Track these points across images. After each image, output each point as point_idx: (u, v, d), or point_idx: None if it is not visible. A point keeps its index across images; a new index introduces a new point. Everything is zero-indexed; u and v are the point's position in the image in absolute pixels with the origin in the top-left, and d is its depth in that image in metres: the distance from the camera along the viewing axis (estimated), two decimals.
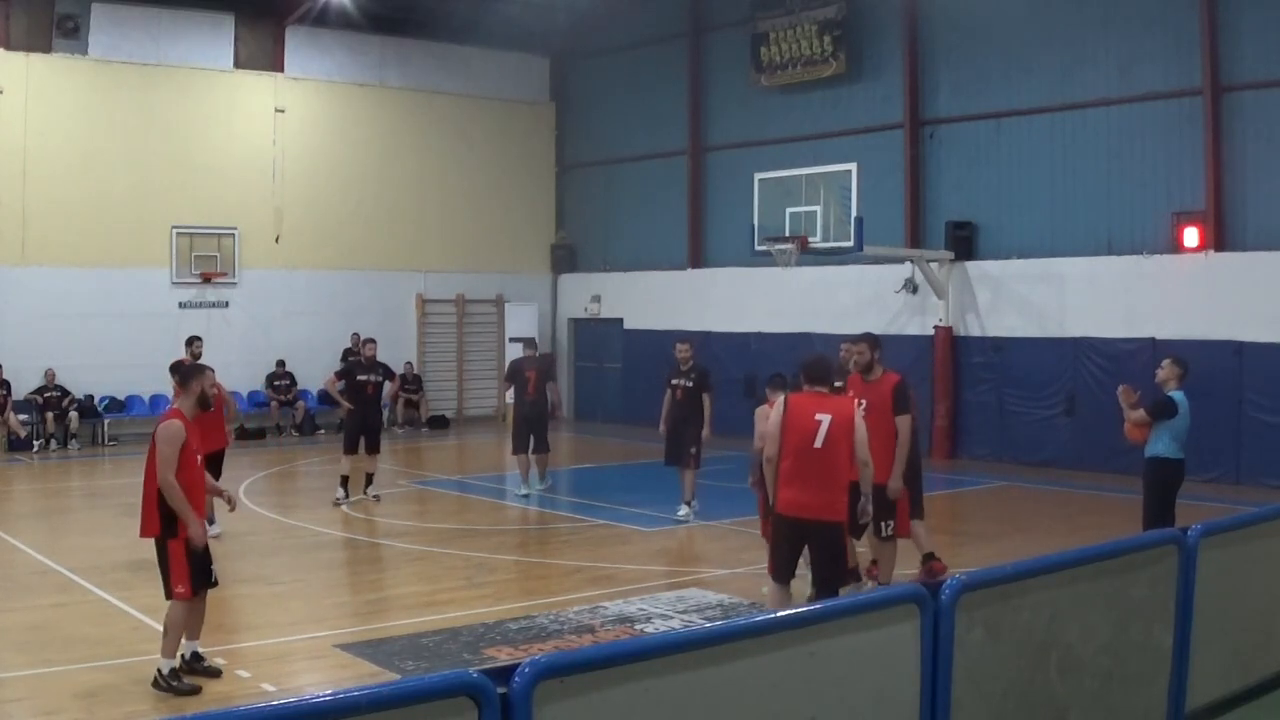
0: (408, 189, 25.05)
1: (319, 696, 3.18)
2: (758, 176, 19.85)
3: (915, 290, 20.11)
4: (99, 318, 21.33)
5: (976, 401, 19.46)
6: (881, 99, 21.05)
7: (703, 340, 20.70)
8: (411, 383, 24.26)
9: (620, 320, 25.62)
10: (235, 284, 22.95)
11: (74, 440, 20.83)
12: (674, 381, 14.01)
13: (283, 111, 23.49)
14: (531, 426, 15.66)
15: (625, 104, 25.69)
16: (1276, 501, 8.20)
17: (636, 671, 3.72)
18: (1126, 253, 17.78)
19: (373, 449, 14.92)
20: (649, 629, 8.95)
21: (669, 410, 13.97)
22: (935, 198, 20.41)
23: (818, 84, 21.71)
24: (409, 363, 24.48)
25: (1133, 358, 16.85)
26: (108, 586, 10.22)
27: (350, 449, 14.74)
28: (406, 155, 25.06)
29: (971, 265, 19.59)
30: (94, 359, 21.22)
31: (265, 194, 23.25)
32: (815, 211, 18.62)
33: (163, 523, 7.47)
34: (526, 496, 15.45)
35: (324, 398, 21.81)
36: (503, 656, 8.13)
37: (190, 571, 7.51)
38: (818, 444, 7.78)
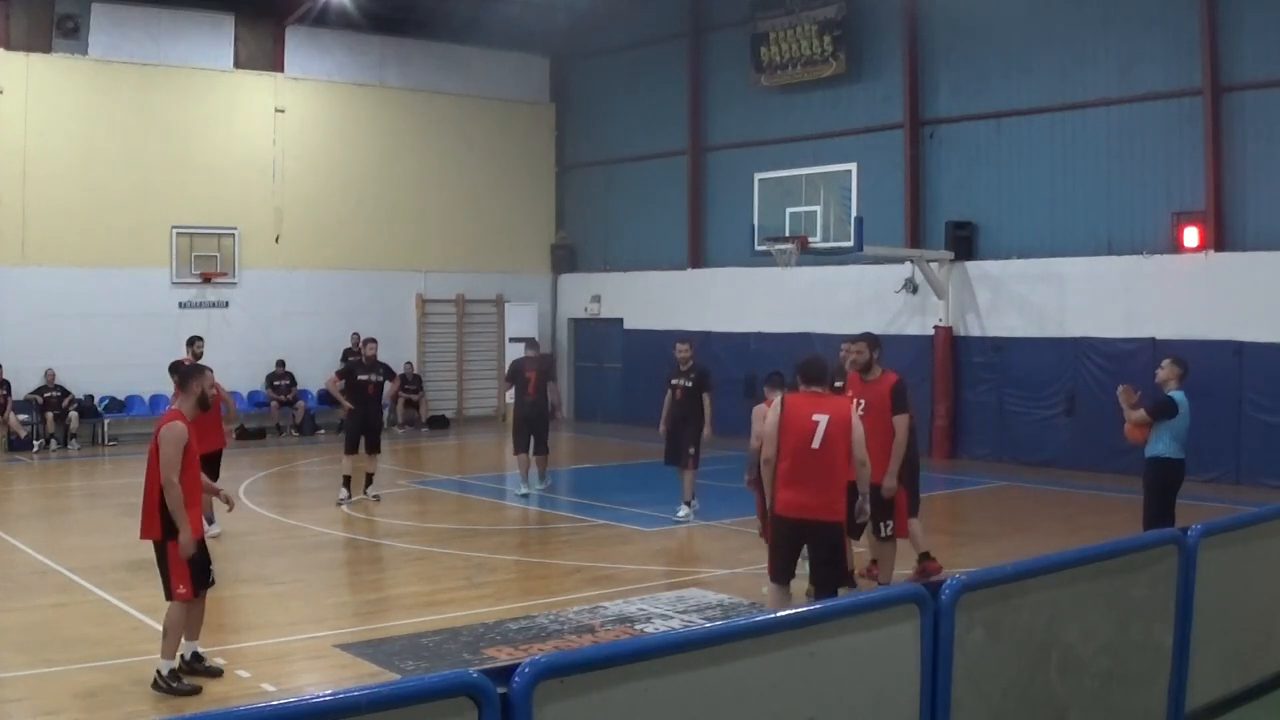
0: (408, 189, 25.05)
1: (319, 696, 3.18)
2: (758, 176, 19.85)
3: (915, 290, 20.11)
4: (99, 318, 21.33)
5: (976, 401, 19.46)
6: (881, 99, 21.05)
7: (703, 340, 20.71)
8: (411, 383, 24.26)
9: (620, 320, 25.63)
10: (235, 284, 22.95)
11: (74, 440, 20.84)
12: (674, 381, 14.02)
13: (283, 111, 23.49)
14: (532, 427, 15.67)
15: (625, 104, 25.69)
16: (1276, 501, 8.20)
17: (636, 671, 3.72)
18: (1126, 253, 17.78)
19: (373, 449, 14.93)
20: (649, 629, 8.95)
21: (669, 410, 14.00)
22: (935, 198, 20.41)
23: (818, 84, 21.71)
24: (409, 363, 24.49)
25: (1133, 358, 16.85)
26: (108, 586, 10.22)
27: (352, 449, 14.74)
28: (406, 155, 25.06)
29: (971, 265, 19.59)
30: (94, 359, 21.23)
31: (265, 194, 23.26)
32: (815, 211, 18.63)
33: (164, 525, 7.46)
34: (526, 496, 15.46)
35: (324, 397, 21.82)
36: (503, 656, 8.13)
37: (191, 572, 7.52)
38: (815, 445, 7.78)
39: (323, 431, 22.92)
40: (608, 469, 19.08)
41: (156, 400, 20.72)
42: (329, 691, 3.21)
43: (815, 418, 7.82)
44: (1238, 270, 16.60)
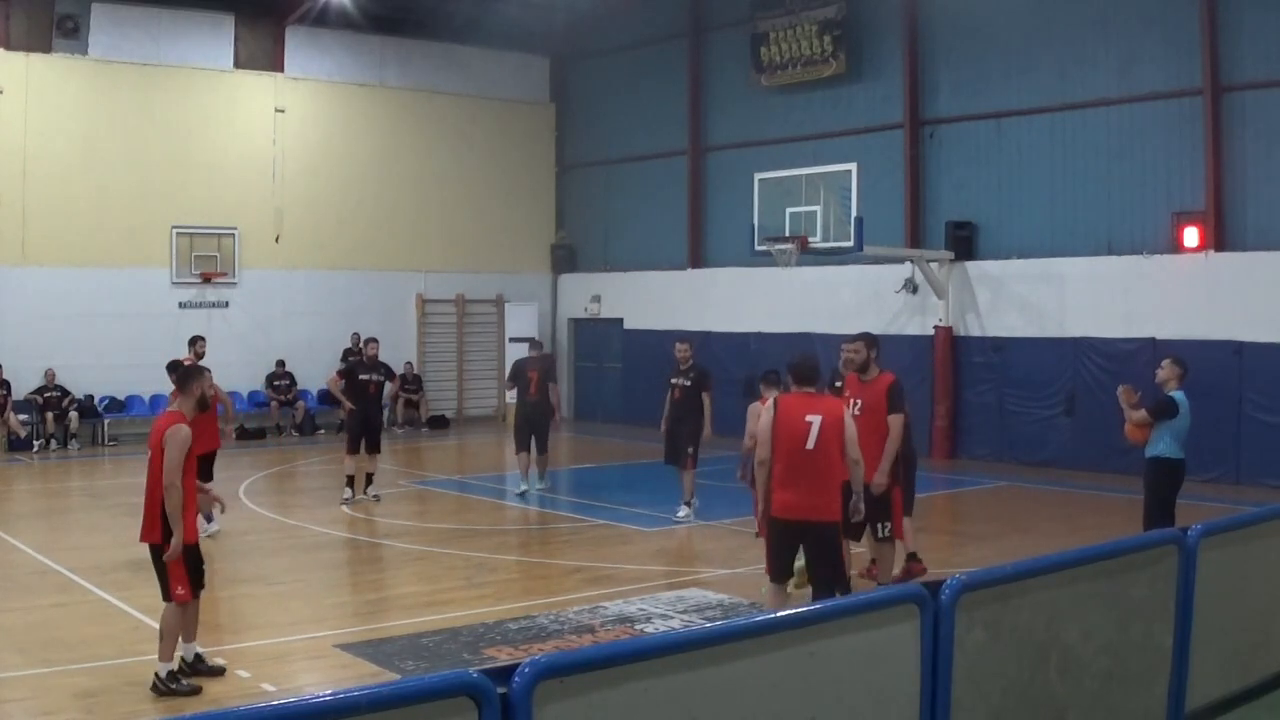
0: (408, 189, 25.05)
1: (319, 696, 3.18)
2: (758, 176, 19.85)
3: (915, 290, 20.11)
4: (99, 318, 21.33)
5: (976, 401, 19.46)
6: (881, 99, 21.05)
7: (703, 340, 20.71)
8: (411, 383, 24.27)
9: (620, 320, 25.63)
10: (235, 284, 22.95)
11: (74, 440, 20.84)
12: (673, 381, 14.04)
13: (283, 111, 23.49)
14: (533, 426, 15.69)
15: (625, 104, 25.69)
16: (1276, 501, 8.21)
17: (636, 671, 3.72)
18: (1126, 253, 17.78)
19: (373, 449, 14.94)
20: (649, 629, 8.95)
21: (668, 410, 14.01)
22: (935, 198, 20.41)
23: (818, 84, 21.71)
24: (409, 363, 24.49)
25: (1133, 358, 16.85)
26: (108, 586, 10.21)
27: (354, 449, 14.75)
28: (406, 155, 25.06)
29: (971, 265, 19.59)
30: (94, 359, 21.23)
31: (265, 194, 23.26)
32: (815, 211, 18.62)
33: (166, 528, 7.46)
34: (523, 494, 15.46)
35: (325, 397, 21.83)
36: (503, 656, 8.13)
37: (189, 575, 7.52)
38: (810, 445, 7.79)
39: (323, 431, 22.93)
40: (608, 469, 19.08)
41: (156, 400, 20.70)
42: (329, 691, 3.21)
43: (809, 418, 7.82)
44: (1238, 270, 16.60)
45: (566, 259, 26.95)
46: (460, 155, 25.65)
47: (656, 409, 14.53)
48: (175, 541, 7.41)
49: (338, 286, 24.00)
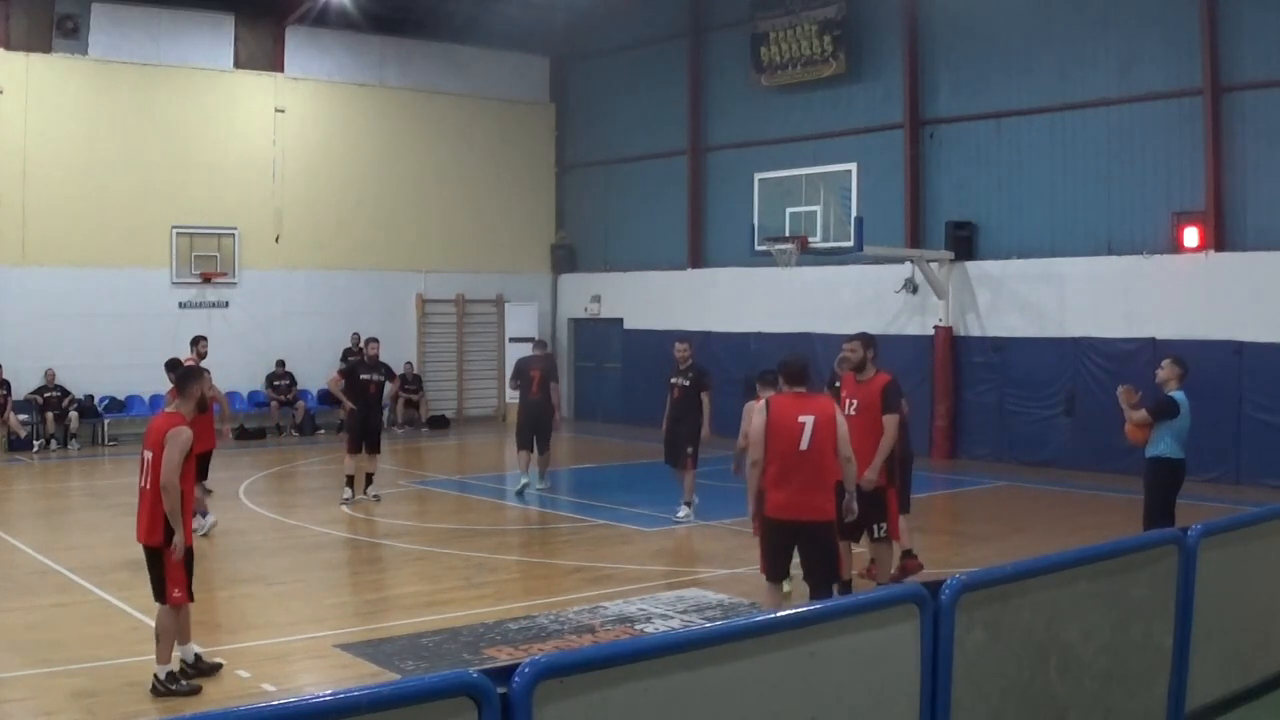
0: (408, 189, 25.05)
1: (319, 696, 3.18)
2: (758, 176, 19.85)
3: (915, 290, 20.11)
4: (99, 318, 21.33)
5: (976, 401, 19.46)
6: (881, 99, 21.05)
7: (702, 340, 20.71)
8: (411, 383, 24.27)
9: (620, 320, 25.62)
10: (235, 284, 22.95)
11: (74, 440, 20.83)
12: (672, 381, 14.05)
13: (283, 111, 23.49)
14: (535, 425, 15.70)
15: (625, 104, 25.69)
16: (1276, 501, 8.21)
17: (636, 671, 3.72)
18: (1126, 253, 17.78)
19: (373, 449, 14.95)
20: (649, 629, 8.95)
21: (668, 410, 14.02)
22: (935, 198, 20.41)
23: (818, 84, 21.71)
24: (409, 363, 24.49)
25: (1133, 358, 16.85)
26: (108, 586, 10.21)
27: (354, 449, 14.75)
28: (406, 155, 25.06)
29: (971, 265, 19.59)
30: (94, 359, 21.23)
31: (265, 194, 23.25)
32: (815, 211, 18.62)
33: (167, 529, 7.46)
34: (523, 490, 15.46)
35: (325, 397, 21.83)
36: (503, 656, 8.13)
37: (186, 577, 7.53)
38: (803, 446, 7.80)
39: (323, 431, 22.93)
40: (608, 469, 19.08)
41: (156, 400, 20.68)
42: (329, 691, 3.21)
43: (801, 419, 7.83)
44: (1238, 270, 16.60)
45: (566, 259, 26.95)
46: (460, 155, 25.65)
47: (656, 409, 14.53)
48: (178, 540, 7.42)
49: (338, 286, 24.00)
